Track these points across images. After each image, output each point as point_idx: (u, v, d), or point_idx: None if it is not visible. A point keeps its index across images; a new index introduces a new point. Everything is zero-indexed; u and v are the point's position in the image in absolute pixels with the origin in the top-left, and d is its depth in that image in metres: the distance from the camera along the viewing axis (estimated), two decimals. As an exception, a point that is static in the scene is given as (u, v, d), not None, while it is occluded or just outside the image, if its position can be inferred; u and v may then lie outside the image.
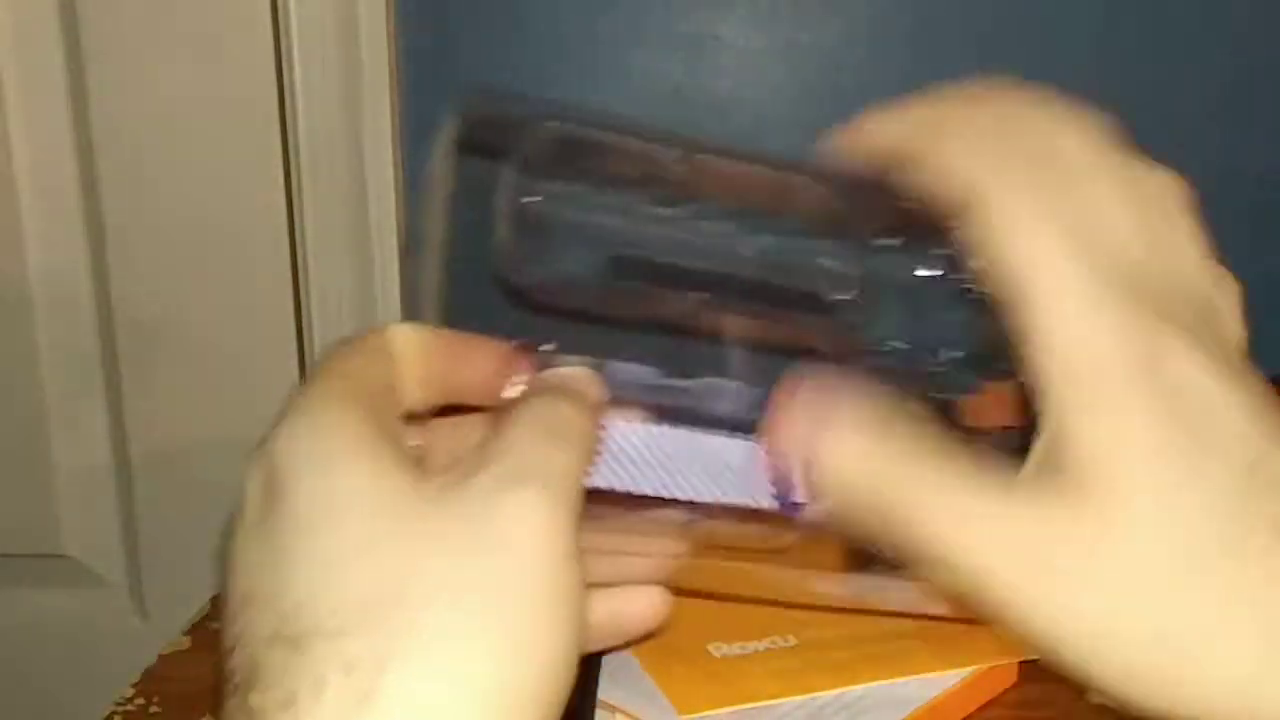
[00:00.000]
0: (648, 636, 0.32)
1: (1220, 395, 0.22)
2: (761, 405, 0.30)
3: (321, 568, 0.23)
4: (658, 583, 0.31)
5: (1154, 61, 0.75)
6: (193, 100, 0.81)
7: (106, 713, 0.48)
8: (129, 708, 0.48)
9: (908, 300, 0.32)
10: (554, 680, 0.23)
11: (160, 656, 0.52)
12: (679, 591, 0.32)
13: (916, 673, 0.41)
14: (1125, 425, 0.22)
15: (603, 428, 0.28)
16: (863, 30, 0.79)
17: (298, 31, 0.79)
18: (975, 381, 0.31)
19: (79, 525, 0.92)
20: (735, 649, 0.43)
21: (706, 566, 0.33)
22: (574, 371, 0.29)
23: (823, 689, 0.41)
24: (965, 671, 0.42)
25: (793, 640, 0.44)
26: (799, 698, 0.41)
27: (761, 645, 0.43)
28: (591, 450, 0.27)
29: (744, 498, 0.30)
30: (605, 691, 0.40)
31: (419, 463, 0.26)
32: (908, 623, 0.44)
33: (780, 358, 0.31)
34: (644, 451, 0.30)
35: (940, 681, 0.42)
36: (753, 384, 0.31)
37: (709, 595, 0.40)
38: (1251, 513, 0.22)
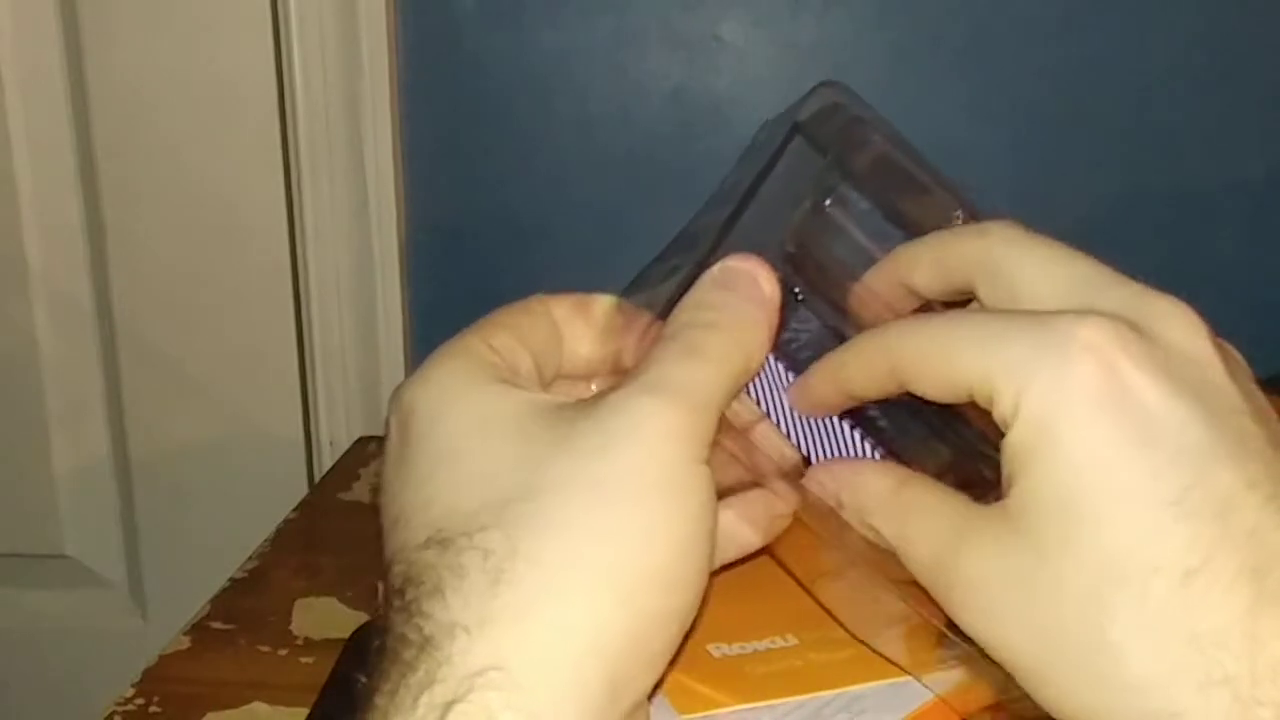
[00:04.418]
0: (761, 552, 0.33)
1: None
2: None
3: (467, 480, 0.26)
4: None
5: (1154, 62, 0.75)
6: (192, 98, 0.81)
7: (106, 713, 0.48)
8: (129, 708, 0.48)
9: None
10: (679, 567, 0.26)
11: (160, 656, 0.52)
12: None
13: (916, 673, 0.41)
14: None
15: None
16: (863, 30, 0.79)
17: (297, 27, 0.79)
18: None
19: (79, 525, 0.92)
20: (735, 649, 0.43)
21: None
22: (740, 267, 0.30)
23: (823, 689, 0.41)
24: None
25: (793, 640, 0.44)
26: (799, 698, 0.41)
27: (761, 645, 0.43)
28: (738, 367, 0.28)
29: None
30: (605, 691, 0.40)
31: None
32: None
33: None
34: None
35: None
36: None
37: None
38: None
